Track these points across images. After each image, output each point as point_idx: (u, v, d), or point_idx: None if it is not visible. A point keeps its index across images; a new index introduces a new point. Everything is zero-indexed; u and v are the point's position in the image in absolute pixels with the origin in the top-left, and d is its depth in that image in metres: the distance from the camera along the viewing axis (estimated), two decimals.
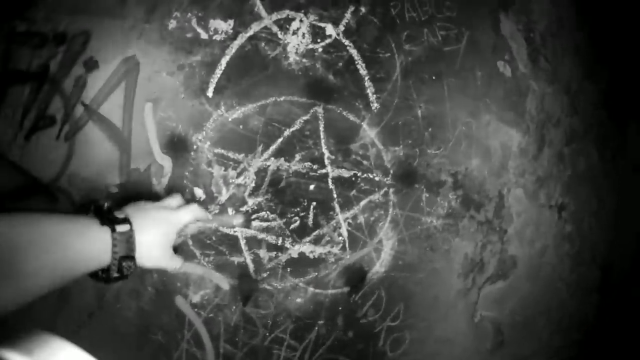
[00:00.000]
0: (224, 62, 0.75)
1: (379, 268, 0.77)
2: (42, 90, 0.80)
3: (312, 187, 0.74)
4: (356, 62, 0.76)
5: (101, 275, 0.55)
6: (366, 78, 0.75)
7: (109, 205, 0.57)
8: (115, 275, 0.54)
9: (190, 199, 0.78)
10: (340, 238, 0.76)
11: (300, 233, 0.75)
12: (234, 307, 0.77)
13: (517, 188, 0.84)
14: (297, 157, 0.74)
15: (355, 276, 0.76)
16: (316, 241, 0.75)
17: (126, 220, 0.54)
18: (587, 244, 0.94)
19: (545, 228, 0.88)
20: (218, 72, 0.75)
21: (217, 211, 0.75)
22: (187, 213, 0.61)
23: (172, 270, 0.65)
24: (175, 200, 0.62)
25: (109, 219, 0.53)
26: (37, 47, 0.81)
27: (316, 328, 0.78)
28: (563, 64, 0.91)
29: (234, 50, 0.76)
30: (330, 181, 0.74)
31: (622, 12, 1.00)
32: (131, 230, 0.54)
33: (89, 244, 0.49)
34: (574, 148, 0.91)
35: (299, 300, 0.76)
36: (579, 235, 0.93)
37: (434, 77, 0.78)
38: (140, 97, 0.77)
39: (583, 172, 0.93)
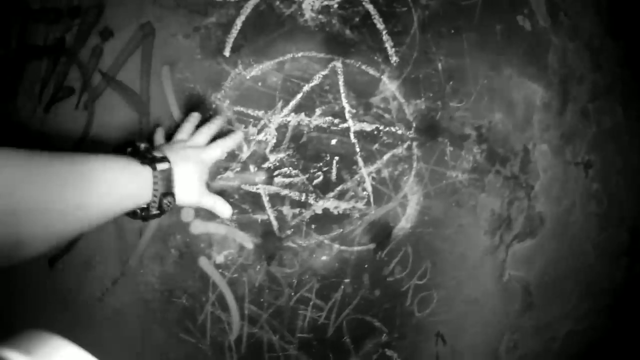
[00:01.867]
0: (239, 22, 0.75)
1: (404, 224, 0.75)
2: (60, 63, 0.81)
3: (334, 141, 0.73)
4: (373, 17, 0.74)
5: (139, 213, 0.56)
6: (384, 32, 0.74)
7: (146, 146, 0.58)
8: (155, 212, 0.55)
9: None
10: (365, 193, 0.74)
11: (324, 189, 0.73)
12: (259, 267, 0.76)
13: (542, 143, 0.81)
14: (318, 111, 0.73)
15: (381, 232, 0.74)
16: (340, 196, 0.74)
17: (165, 159, 0.56)
18: (615, 203, 0.90)
19: (572, 185, 0.85)
20: (234, 32, 0.74)
21: (238, 169, 0.74)
22: (216, 149, 0.64)
23: (207, 207, 0.65)
24: (201, 136, 0.64)
25: (148, 158, 0.54)
26: (53, 22, 0.82)
27: (342, 287, 0.75)
28: (584, 19, 0.89)
29: (249, 10, 0.75)
30: (352, 135, 0.73)
31: None
32: (170, 168, 0.55)
33: (131, 181, 0.49)
34: (599, 105, 0.88)
35: (324, 258, 0.75)
36: (606, 194, 0.89)
37: (452, 31, 0.76)
38: (157, 61, 0.77)
39: (609, 129, 0.90)
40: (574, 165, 0.85)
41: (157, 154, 0.56)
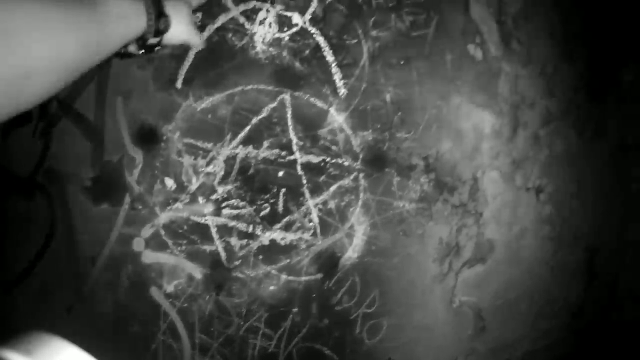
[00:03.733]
0: (191, 54, 0.75)
1: (351, 254, 0.76)
2: None
3: (281, 173, 0.73)
4: (323, 50, 0.75)
5: (136, 45, 0.55)
6: (333, 64, 0.74)
7: None
8: (151, 39, 0.54)
9: (161, 188, 0.77)
10: (311, 224, 0.74)
11: (271, 220, 0.74)
12: (208, 297, 0.76)
13: (491, 170, 0.82)
14: (266, 144, 0.73)
15: (328, 262, 0.75)
16: (287, 227, 0.74)
17: None
18: (568, 226, 0.91)
19: (523, 210, 0.86)
20: (186, 64, 0.75)
21: (187, 200, 0.75)
22: None
23: (196, 43, 0.64)
24: None
25: None
26: None
27: (291, 316, 0.76)
28: (537, 46, 0.90)
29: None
30: (299, 167, 0.73)
31: None
32: None
33: (126, 4, 0.49)
34: (551, 129, 0.89)
35: (272, 287, 0.75)
36: (559, 217, 0.90)
37: (402, 62, 0.77)
38: (112, 92, 0.77)
39: (561, 153, 0.91)
40: (525, 190, 0.86)
41: None
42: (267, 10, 0.76)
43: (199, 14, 0.76)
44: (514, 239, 0.85)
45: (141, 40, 0.54)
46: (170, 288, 0.76)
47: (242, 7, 0.76)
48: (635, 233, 1.03)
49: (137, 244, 0.77)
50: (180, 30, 0.60)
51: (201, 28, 0.75)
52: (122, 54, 0.56)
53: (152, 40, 0.54)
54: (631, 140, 1.02)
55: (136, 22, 0.51)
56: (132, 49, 0.55)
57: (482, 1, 0.85)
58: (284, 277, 0.74)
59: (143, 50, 0.55)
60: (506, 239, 0.84)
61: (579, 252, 0.95)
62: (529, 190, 0.86)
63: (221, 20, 0.75)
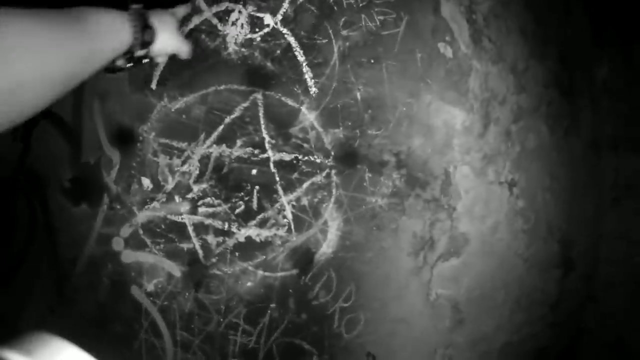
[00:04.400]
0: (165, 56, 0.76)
1: (326, 249, 0.77)
2: None
3: (254, 171, 0.75)
4: (294, 49, 0.76)
5: (123, 59, 0.56)
6: (304, 64, 0.76)
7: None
8: (138, 51, 0.55)
9: (138, 188, 0.79)
10: (285, 220, 0.75)
11: (246, 217, 0.75)
12: (187, 294, 0.77)
13: (463, 165, 0.83)
14: (239, 143, 0.74)
15: (303, 258, 0.76)
16: (261, 224, 0.75)
17: (135, 2, 0.56)
18: (542, 219, 0.93)
19: (496, 204, 0.87)
20: (160, 66, 0.76)
21: (164, 199, 0.76)
22: (179, 9, 0.66)
23: (185, 53, 0.66)
24: None
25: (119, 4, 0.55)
26: None
27: (269, 312, 0.77)
28: (508, 43, 0.92)
29: None
30: (272, 165, 0.74)
31: None
32: (142, 7, 0.55)
33: (110, 19, 0.50)
34: (522, 125, 0.91)
35: (249, 284, 0.76)
36: (533, 211, 0.92)
37: (372, 61, 0.78)
38: (89, 93, 0.78)
39: (533, 148, 0.92)
40: (498, 184, 0.88)
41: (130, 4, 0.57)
42: (239, 12, 0.77)
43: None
44: (488, 232, 0.87)
45: (129, 54, 0.55)
46: (150, 287, 0.77)
47: (215, 9, 0.77)
48: (609, 225, 1.05)
49: (117, 244, 0.78)
50: (168, 41, 0.62)
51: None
52: (111, 69, 0.56)
53: (139, 53, 0.56)
54: (604, 135, 1.04)
55: (122, 35, 0.52)
56: (121, 62, 0.56)
57: (452, 0, 0.87)
58: (260, 273, 0.76)
59: (131, 64, 0.57)
60: (480, 232, 0.86)
61: (553, 245, 0.97)
62: (502, 185, 0.87)
63: (194, 22, 0.77)
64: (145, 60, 0.57)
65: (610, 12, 1.04)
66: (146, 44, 0.55)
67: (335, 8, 0.79)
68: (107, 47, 0.50)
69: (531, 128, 0.92)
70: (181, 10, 0.72)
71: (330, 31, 0.78)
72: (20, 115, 0.41)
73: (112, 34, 0.51)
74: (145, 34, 0.54)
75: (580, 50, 1.01)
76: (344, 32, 0.79)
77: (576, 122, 0.99)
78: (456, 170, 0.83)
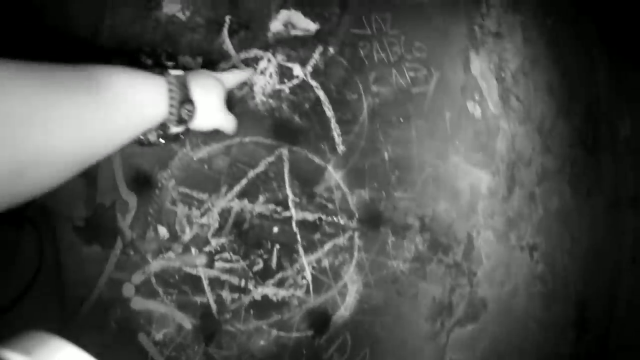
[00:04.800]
0: None
1: (343, 312, 0.75)
2: None
3: (275, 229, 0.73)
4: (323, 104, 0.74)
5: (156, 134, 0.48)
6: (332, 120, 0.74)
7: (152, 60, 0.51)
8: (174, 127, 0.46)
9: (154, 236, 0.76)
10: (304, 281, 0.73)
11: (264, 275, 0.73)
12: (197, 347, 0.75)
13: (486, 230, 0.82)
14: (261, 198, 0.72)
15: (320, 319, 0.74)
16: (279, 284, 0.73)
17: (177, 67, 0.48)
18: (561, 282, 0.92)
19: (516, 269, 0.85)
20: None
21: (180, 250, 0.73)
22: (232, 75, 0.60)
23: (229, 130, 0.58)
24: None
25: (157, 65, 0.48)
26: None
27: None
28: (536, 103, 0.90)
29: None
30: (294, 224, 0.72)
31: (597, 45, 1.00)
32: (185, 75, 0.47)
33: (143, 89, 0.41)
34: (546, 187, 0.89)
35: (262, 342, 0.74)
36: (552, 275, 0.90)
37: (401, 120, 0.77)
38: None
39: (556, 210, 0.91)
40: (519, 249, 0.86)
41: (166, 63, 0.50)
42: (269, 60, 0.75)
43: (200, 59, 0.76)
44: (506, 297, 0.85)
45: (162, 129, 0.46)
46: (159, 336, 0.75)
47: (243, 55, 0.75)
48: (626, 286, 1.04)
49: (127, 290, 0.75)
50: (210, 116, 0.52)
51: None
52: (140, 142, 0.49)
53: (175, 130, 0.47)
54: (624, 194, 1.03)
55: (155, 109, 0.43)
56: (152, 137, 0.48)
57: (482, 57, 0.86)
58: (274, 332, 0.73)
59: (165, 140, 0.48)
60: (498, 297, 0.84)
61: (569, 307, 0.95)
62: (523, 249, 0.86)
63: (222, 67, 0.75)
64: (182, 136, 0.50)
65: (634, 65, 1.03)
66: (184, 121, 0.47)
67: (366, 62, 0.78)
68: (133, 122, 0.40)
69: (555, 190, 0.90)
70: (234, 78, 0.62)
71: (361, 86, 0.76)
72: (23, 198, 0.34)
73: (142, 107, 0.41)
74: (182, 109, 0.45)
75: (605, 105, 1.00)
76: (374, 88, 0.77)
77: (599, 181, 0.98)
78: (479, 235, 0.81)
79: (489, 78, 0.85)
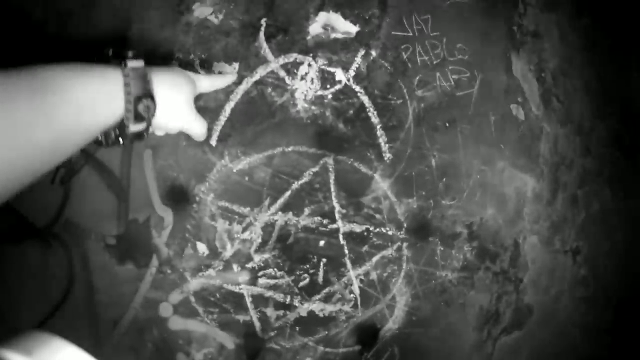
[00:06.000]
0: (228, 108, 0.70)
1: (392, 325, 0.73)
2: None
3: (322, 242, 0.70)
4: (367, 110, 0.71)
5: (114, 134, 0.44)
6: (378, 127, 0.71)
7: (115, 50, 0.46)
8: (132, 125, 0.42)
9: (193, 253, 0.73)
10: (352, 295, 0.71)
11: (310, 291, 0.70)
12: None
13: (531, 235, 0.80)
14: (306, 211, 0.69)
15: (367, 334, 0.72)
16: (326, 299, 0.71)
17: (138, 58, 0.44)
18: (601, 286, 0.91)
19: (560, 273, 0.84)
20: (222, 119, 0.70)
21: (221, 267, 0.70)
22: (208, 80, 0.55)
23: (198, 135, 0.54)
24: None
25: (117, 55, 0.43)
26: None
27: None
28: (574, 103, 0.88)
29: (239, 96, 0.71)
30: (341, 236, 0.70)
31: (632, 45, 0.98)
32: (144, 67, 0.43)
33: (94, 86, 0.38)
34: (588, 190, 0.88)
35: (308, 359, 0.72)
36: (593, 278, 0.89)
37: (447, 124, 0.74)
38: (139, 143, 0.72)
39: (596, 213, 0.90)
40: (563, 253, 0.84)
41: (127, 52, 0.44)
42: (309, 65, 0.72)
43: (236, 64, 0.72)
44: (550, 303, 0.84)
45: (120, 127, 0.43)
46: (199, 356, 0.72)
47: (282, 60, 0.72)
48: None
49: (165, 310, 0.72)
50: (175, 116, 0.48)
51: (239, 80, 0.71)
52: (98, 143, 0.45)
53: (135, 128, 0.43)
54: None
55: (108, 106, 0.39)
56: (112, 136, 0.44)
57: (523, 58, 0.84)
58: (321, 349, 0.71)
59: (124, 140, 0.44)
60: (543, 303, 0.83)
61: (609, 310, 0.95)
62: (566, 253, 0.84)
63: (260, 72, 0.71)
64: (146, 135, 0.45)
65: None
66: (142, 118, 0.42)
67: (409, 65, 0.75)
68: (87, 123, 0.37)
69: (596, 192, 0.89)
70: (210, 82, 0.58)
71: (405, 90, 0.73)
72: None
73: (96, 105, 0.38)
74: (140, 104, 0.41)
75: (639, 105, 0.98)
76: (419, 92, 0.74)
77: (636, 182, 0.97)
78: (525, 241, 0.79)
79: (530, 79, 0.83)
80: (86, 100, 0.37)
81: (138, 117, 0.42)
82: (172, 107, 0.48)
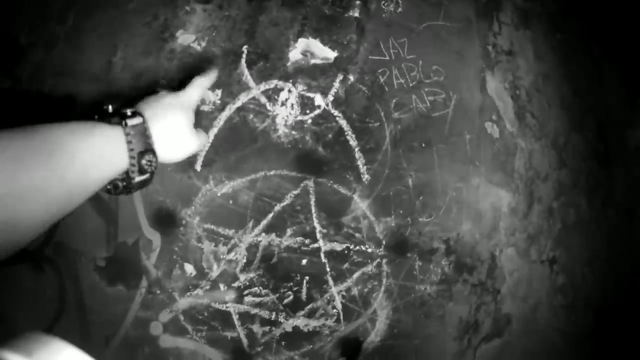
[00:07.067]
0: (211, 134, 0.74)
1: (374, 337, 0.77)
2: None
3: (304, 261, 0.74)
4: (346, 133, 0.75)
5: (121, 185, 0.48)
6: (356, 149, 0.75)
7: (114, 107, 0.50)
8: (137, 177, 0.47)
9: (180, 274, 0.77)
10: (334, 311, 0.75)
11: (294, 307, 0.74)
12: None
13: (508, 247, 0.84)
14: (289, 232, 0.73)
15: (351, 347, 0.75)
16: (310, 315, 0.74)
17: (136, 114, 0.48)
18: (581, 293, 0.95)
19: (538, 283, 0.88)
20: (206, 145, 0.74)
21: (208, 287, 0.74)
22: (194, 89, 0.57)
23: (200, 148, 0.60)
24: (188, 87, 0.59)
25: (117, 115, 0.47)
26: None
27: None
28: (549, 118, 0.93)
29: (222, 122, 0.75)
30: (322, 255, 0.73)
31: (606, 57, 1.02)
32: (144, 122, 0.47)
33: (99, 145, 0.42)
34: (563, 201, 0.92)
35: None
36: (572, 287, 0.93)
37: (423, 145, 0.78)
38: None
39: (573, 223, 0.94)
40: (540, 263, 0.89)
41: (126, 111, 0.48)
42: (289, 91, 0.76)
43: (219, 92, 0.76)
44: (529, 311, 0.88)
45: (126, 179, 0.47)
46: None
47: (263, 87, 0.75)
48: None
49: (155, 328, 0.76)
50: (179, 149, 0.53)
51: (221, 106, 0.75)
52: (108, 191, 0.49)
53: (139, 178, 0.47)
54: (637, 204, 1.06)
55: (113, 162, 0.43)
56: (119, 186, 0.48)
57: (498, 76, 0.88)
58: None
59: (130, 189, 0.48)
60: (522, 311, 0.87)
61: (589, 315, 0.99)
62: (543, 263, 0.88)
63: (242, 99, 0.75)
64: (150, 182, 0.50)
65: None
66: (144, 170, 0.46)
67: (386, 88, 0.79)
68: (95, 177, 0.41)
69: (571, 203, 0.93)
70: (199, 89, 0.60)
71: (382, 113, 0.77)
72: None
73: (102, 162, 0.42)
74: (142, 159, 0.45)
75: (615, 116, 1.03)
76: (396, 115, 0.78)
77: (611, 191, 1.01)
78: (502, 253, 0.83)
79: (504, 97, 0.87)
80: (93, 159, 0.40)
81: (142, 171, 0.46)
82: (175, 143, 0.52)
